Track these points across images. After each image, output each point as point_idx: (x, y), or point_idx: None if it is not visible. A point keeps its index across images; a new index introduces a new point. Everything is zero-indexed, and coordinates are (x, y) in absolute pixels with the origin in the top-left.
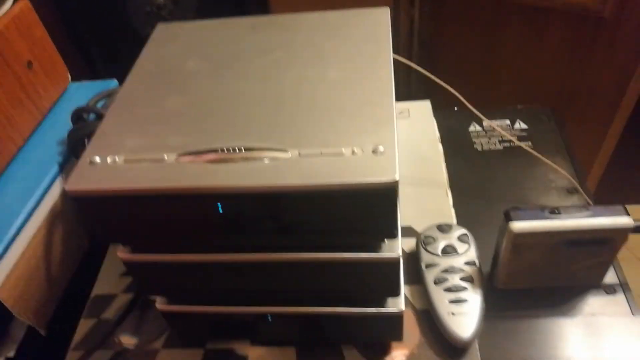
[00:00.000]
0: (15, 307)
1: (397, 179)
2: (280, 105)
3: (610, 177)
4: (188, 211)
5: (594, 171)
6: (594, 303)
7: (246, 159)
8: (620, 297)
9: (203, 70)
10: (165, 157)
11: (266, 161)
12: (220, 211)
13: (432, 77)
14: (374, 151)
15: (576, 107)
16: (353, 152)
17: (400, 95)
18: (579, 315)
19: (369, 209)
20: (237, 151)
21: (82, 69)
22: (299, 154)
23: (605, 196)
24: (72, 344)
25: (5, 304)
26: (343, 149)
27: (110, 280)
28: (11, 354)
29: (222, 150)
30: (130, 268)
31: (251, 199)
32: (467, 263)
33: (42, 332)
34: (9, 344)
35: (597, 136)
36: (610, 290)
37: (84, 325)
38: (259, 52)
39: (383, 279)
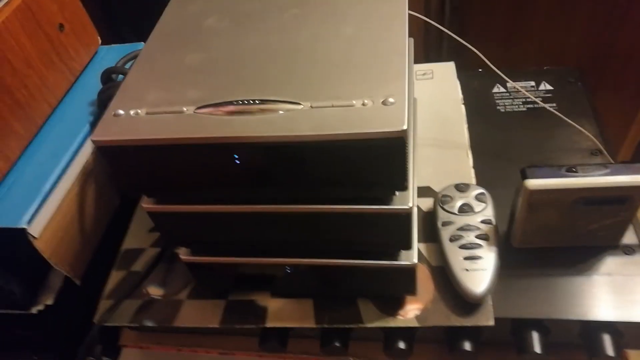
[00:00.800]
0: (52, 257)
1: (406, 128)
2: (295, 60)
3: None
4: (206, 161)
5: (628, 142)
6: (611, 263)
7: (261, 111)
8: (638, 258)
9: (222, 27)
10: (185, 110)
11: (280, 113)
12: (237, 161)
13: (455, 36)
14: (384, 102)
15: (610, 72)
16: (364, 104)
17: (431, 58)
18: (595, 275)
19: (379, 159)
20: (253, 103)
21: (110, 35)
22: (311, 106)
23: None
24: (104, 294)
25: (43, 254)
26: (354, 101)
27: (139, 236)
28: (50, 302)
29: (239, 103)
30: (154, 219)
31: (265, 149)
32: (483, 221)
33: (77, 282)
34: (49, 292)
35: (633, 104)
36: (628, 250)
37: (115, 277)
38: (277, 9)
39: (395, 232)
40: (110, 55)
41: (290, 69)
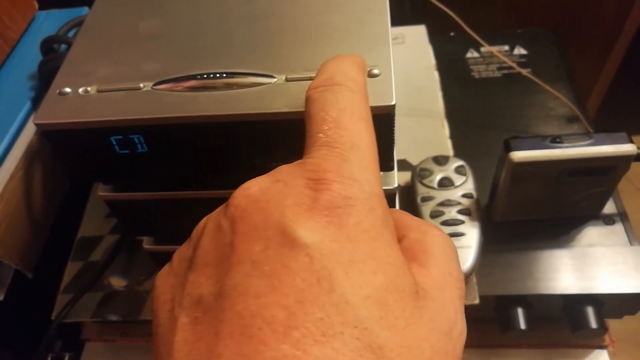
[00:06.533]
0: None
1: (394, 102)
2: (263, 26)
3: (609, 104)
4: (168, 143)
5: (594, 97)
6: (591, 233)
7: (227, 86)
8: (618, 227)
9: None
10: (142, 86)
11: (250, 87)
12: (201, 143)
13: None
14: (369, 74)
15: (578, 30)
16: None
17: (393, 20)
18: (576, 247)
19: None
20: (219, 77)
21: None
22: (286, 78)
23: (604, 123)
24: (62, 287)
25: None
26: None
27: (95, 222)
28: (0, 298)
29: (202, 77)
30: (112, 208)
31: (234, 128)
32: (464, 195)
33: (29, 275)
34: None
35: (598, 61)
36: (608, 220)
37: (72, 268)
38: None
39: None
40: (49, 21)
41: (258, 35)
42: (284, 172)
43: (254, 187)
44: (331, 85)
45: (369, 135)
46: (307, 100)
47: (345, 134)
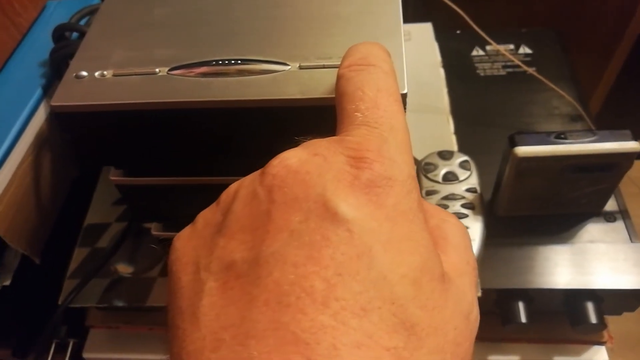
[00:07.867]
0: (7, 234)
1: (406, 91)
2: (276, 14)
3: (612, 105)
4: (182, 128)
5: (596, 97)
6: (593, 230)
7: (240, 72)
8: (619, 225)
9: None
10: (157, 71)
11: (263, 74)
12: (214, 128)
13: None
14: None
15: (581, 29)
16: None
17: None
18: (577, 243)
19: None
20: (232, 63)
21: None
22: (299, 66)
23: (606, 123)
24: (68, 273)
25: None
26: None
27: (102, 209)
28: (7, 282)
29: (216, 63)
30: (123, 192)
31: (248, 114)
32: (468, 190)
33: (36, 260)
34: (4, 273)
35: (600, 61)
36: (610, 217)
37: (79, 255)
38: None
39: None
40: (60, 10)
41: (271, 24)
42: (322, 147)
43: (293, 158)
44: (367, 65)
45: (404, 117)
46: (341, 78)
47: (384, 114)
